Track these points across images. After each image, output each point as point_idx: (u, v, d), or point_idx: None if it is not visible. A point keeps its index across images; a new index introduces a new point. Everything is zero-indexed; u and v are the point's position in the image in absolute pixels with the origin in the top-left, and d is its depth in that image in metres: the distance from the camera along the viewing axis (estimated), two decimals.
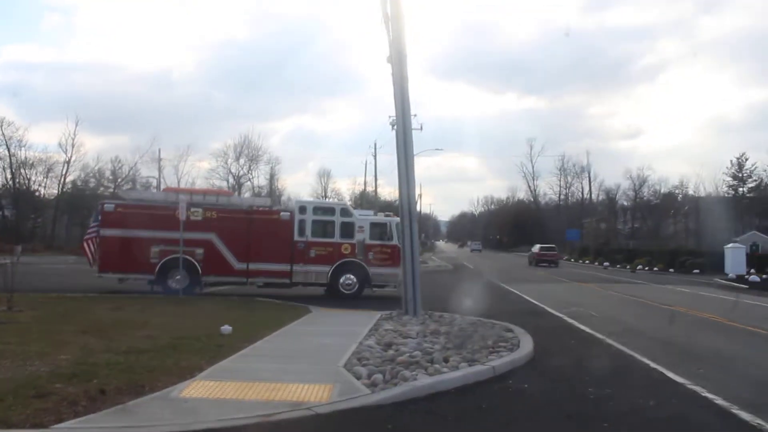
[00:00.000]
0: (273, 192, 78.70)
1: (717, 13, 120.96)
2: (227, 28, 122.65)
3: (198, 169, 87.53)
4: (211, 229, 19.77)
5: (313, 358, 9.41)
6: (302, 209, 20.97)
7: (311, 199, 22.18)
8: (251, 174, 74.21)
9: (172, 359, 8.78)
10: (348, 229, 20.78)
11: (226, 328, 11.23)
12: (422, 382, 7.91)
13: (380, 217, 22.06)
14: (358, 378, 8.02)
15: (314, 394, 7.24)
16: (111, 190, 68.59)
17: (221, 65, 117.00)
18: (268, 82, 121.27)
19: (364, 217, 21.41)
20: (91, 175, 68.39)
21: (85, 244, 19.68)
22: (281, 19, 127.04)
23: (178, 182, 67.80)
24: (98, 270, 19.43)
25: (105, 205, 20.01)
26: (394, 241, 20.53)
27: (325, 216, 21.03)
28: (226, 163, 72.10)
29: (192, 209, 19.47)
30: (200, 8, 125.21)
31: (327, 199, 67.81)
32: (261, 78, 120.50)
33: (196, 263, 19.52)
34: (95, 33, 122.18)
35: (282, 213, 21.22)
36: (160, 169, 64.98)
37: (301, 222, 20.51)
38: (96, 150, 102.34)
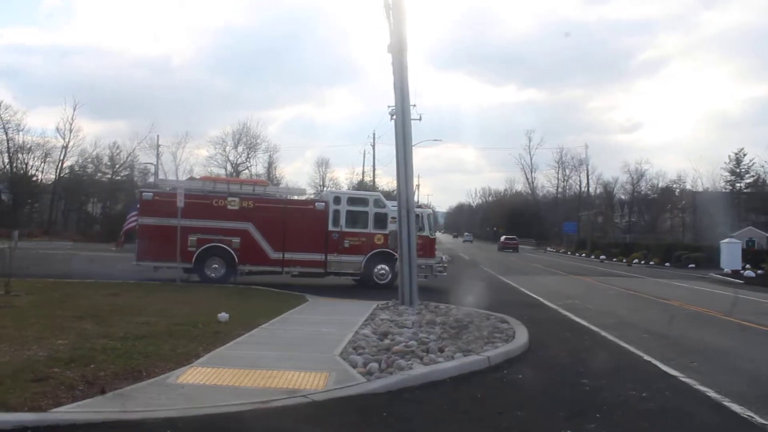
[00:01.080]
0: (271, 181, 78.61)
1: (718, 8, 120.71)
2: (227, 14, 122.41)
3: (196, 157, 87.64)
4: (247, 219, 20.11)
5: (309, 347, 9.46)
6: (336, 200, 21.33)
7: (345, 189, 22.73)
8: (249, 162, 74.27)
9: (169, 345, 8.82)
10: (381, 220, 21.22)
11: (224, 316, 11.28)
12: (417, 371, 7.98)
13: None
14: (354, 366, 8.08)
15: (310, 381, 7.29)
16: (109, 176, 68.64)
17: (221, 52, 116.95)
18: (267, 70, 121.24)
19: (397, 208, 21.13)
20: (89, 160, 68.48)
21: (123, 234, 20.33)
22: (281, 6, 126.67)
23: (176, 169, 67.88)
24: (136, 258, 19.64)
25: (144, 194, 20.21)
26: (426, 233, 21.54)
27: (359, 207, 21.38)
28: (224, 150, 72.12)
29: (229, 198, 20.12)
30: None
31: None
32: (260, 66, 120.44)
33: (232, 252, 19.92)
34: (94, 17, 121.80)
35: (317, 203, 21.55)
36: (158, 156, 64.91)
37: (336, 212, 20.92)
38: (94, 135, 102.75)
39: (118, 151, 69.21)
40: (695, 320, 16.06)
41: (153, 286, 17.22)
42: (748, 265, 37.56)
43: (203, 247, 19.56)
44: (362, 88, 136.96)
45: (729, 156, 77.34)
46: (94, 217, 69.68)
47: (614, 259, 54.30)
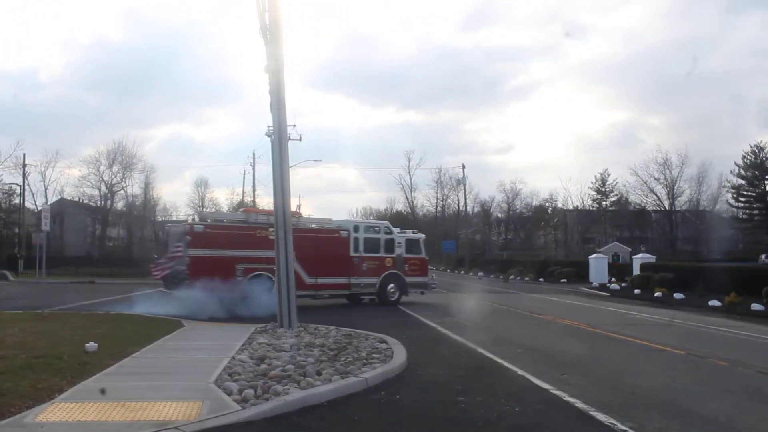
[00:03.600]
0: (148, 201, 75.99)
1: (582, 39, 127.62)
2: (100, 29, 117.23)
3: (67, 177, 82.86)
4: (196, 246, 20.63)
5: (182, 375, 9.14)
6: (355, 228, 23.98)
7: (361, 219, 25.10)
8: (125, 182, 71.23)
9: (28, 381, 8.24)
10: (389, 245, 24.38)
11: (92, 346, 10.73)
12: (294, 396, 7.86)
13: (412, 234, 26.00)
14: (229, 394, 7.86)
15: (182, 412, 7.03)
16: None
17: (93, 68, 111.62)
18: (143, 87, 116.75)
19: (401, 235, 25.23)
20: None
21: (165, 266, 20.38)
22: (158, 23, 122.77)
23: (45, 190, 64.33)
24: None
25: (195, 227, 20.84)
26: (423, 255, 25.34)
27: (373, 234, 24.32)
28: (98, 170, 68.79)
29: (270, 229, 20.07)
30: (68, 6, 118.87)
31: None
32: (136, 83, 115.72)
33: (274, 279, 19.48)
34: None
35: (341, 231, 23.57)
36: (24, 176, 61.23)
37: (356, 239, 23.53)
38: None
39: None
40: (566, 333, 16.75)
41: (15, 317, 16.17)
42: (613, 279, 39.68)
43: (250, 276, 20.18)
44: (242, 107, 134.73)
45: (595, 176, 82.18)
46: None
47: (492, 276, 55.87)
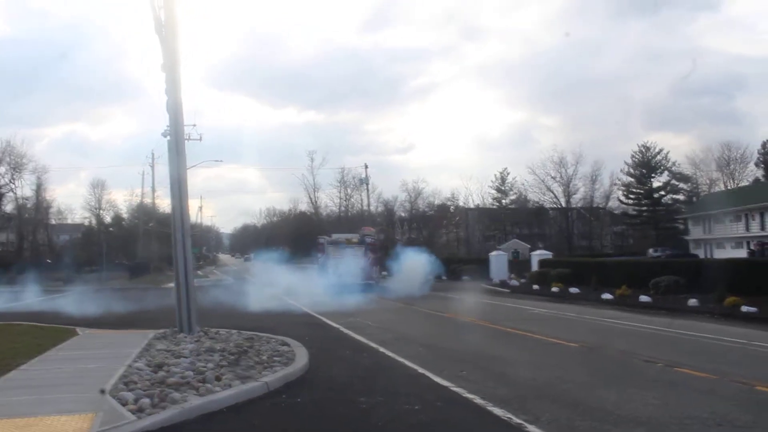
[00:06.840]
0: (40, 204, 72.65)
1: (480, 42, 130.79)
2: None
3: None
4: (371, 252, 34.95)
5: (74, 386, 8.77)
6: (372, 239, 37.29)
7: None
8: (14, 183, 67.75)
9: None
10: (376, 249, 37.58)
11: None
12: (192, 403, 7.69)
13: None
14: (124, 404, 7.59)
15: (73, 425, 6.76)
16: None
17: None
18: (34, 84, 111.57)
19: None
20: None
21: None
22: (49, 17, 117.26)
23: None
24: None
25: (374, 240, 35.48)
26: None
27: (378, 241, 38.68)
28: None
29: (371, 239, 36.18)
30: None
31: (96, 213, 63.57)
32: (25, 79, 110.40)
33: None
34: None
35: (376, 242, 38.12)
36: None
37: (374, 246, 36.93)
38: None
39: None
40: (467, 330, 17.11)
41: None
42: (513, 275, 40.80)
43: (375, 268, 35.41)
44: (141, 107, 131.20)
45: (495, 175, 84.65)
46: None
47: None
